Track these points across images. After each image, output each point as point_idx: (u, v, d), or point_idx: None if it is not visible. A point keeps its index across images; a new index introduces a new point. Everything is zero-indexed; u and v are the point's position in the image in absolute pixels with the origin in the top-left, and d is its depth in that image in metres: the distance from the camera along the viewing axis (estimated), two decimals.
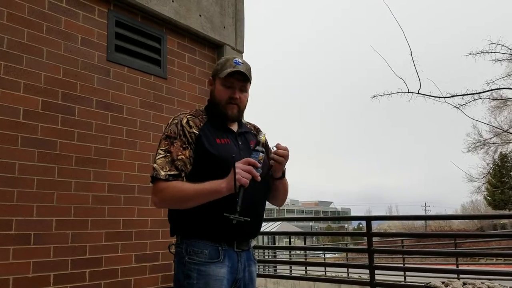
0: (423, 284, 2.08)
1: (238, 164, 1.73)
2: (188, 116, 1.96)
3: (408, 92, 10.94)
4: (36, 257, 2.99)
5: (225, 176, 1.76)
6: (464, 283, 1.97)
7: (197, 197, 1.77)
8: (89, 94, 3.44)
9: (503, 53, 12.43)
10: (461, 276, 6.42)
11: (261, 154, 1.80)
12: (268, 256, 15.99)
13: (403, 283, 8.97)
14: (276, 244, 19.96)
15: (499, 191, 31.80)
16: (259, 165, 1.77)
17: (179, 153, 1.86)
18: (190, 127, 1.92)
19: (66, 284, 3.13)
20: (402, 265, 11.38)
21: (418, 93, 10.84)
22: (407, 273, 10.50)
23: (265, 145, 1.94)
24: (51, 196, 3.12)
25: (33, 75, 3.10)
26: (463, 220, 37.77)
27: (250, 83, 2.03)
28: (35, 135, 3.07)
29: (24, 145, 3.00)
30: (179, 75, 4.21)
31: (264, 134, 1.92)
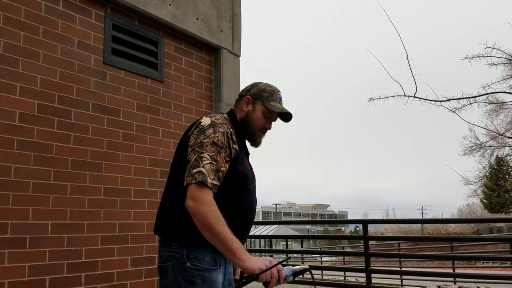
0: None
1: (273, 270, 1.74)
2: (231, 129, 1.94)
3: (404, 95, 10.99)
4: (31, 261, 2.97)
5: (240, 195, 1.88)
6: (460, 287, 1.97)
7: (219, 241, 1.72)
8: (86, 97, 3.43)
9: (498, 57, 12.50)
10: (457, 279, 6.42)
11: (290, 278, 1.80)
12: None
13: (400, 286, 8.98)
14: (273, 248, 19.94)
15: (496, 194, 31.86)
16: (282, 282, 1.79)
17: (223, 164, 1.83)
18: (234, 142, 1.91)
19: (61, 287, 3.12)
20: (398, 269, 11.39)
21: (414, 96, 10.89)
22: (404, 276, 10.51)
23: None
24: (47, 199, 3.11)
25: (29, 78, 3.09)
26: (460, 224, 37.83)
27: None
28: (31, 139, 3.06)
29: (20, 149, 2.99)
30: (176, 79, 4.21)
31: (307, 267, 1.90)
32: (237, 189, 1.90)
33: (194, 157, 1.81)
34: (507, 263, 12.45)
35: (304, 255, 16.82)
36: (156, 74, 4.00)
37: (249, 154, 2.14)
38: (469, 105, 12.36)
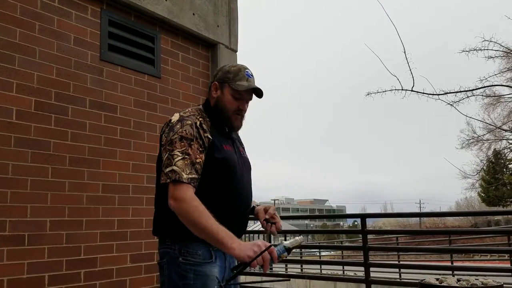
0: (417, 281, 2.09)
1: (264, 253, 1.68)
2: (200, 119, 1.91)
3: (402, 89, 11.00)
4: (30, 258, 2.97)
5: (226, 182, 1.85)
6: (458, 280, 1.98)
7: (206, 233, 1.71)
8: (83, 94, 3.42)
9: (496, 50, 12.51)
10: (455, 272, 6.45)
11: (285, 254, 1.75)
12: None
13: (398, 280, 9.02)
14: (272, 243, 20.00)
15: (493, 187, 31.97)
16: (276, 262, 1.75)
17: (197, 156, 1.81)
18: (204, 131, 1.88)
19: (61, 284, 3.11)
20: (397, 262, 11.43)
21: (412, 90, 10.91)
22: (402, 270, 10.55)
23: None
24: (45, 196, 3.11)
25: (25, 75, 3.08)
26: (458, 217, 37.98)
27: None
28: (28, 136, 3.05)
29: (17, 146, 2.98)
30: (173, 74, 4.20)
31: (300, 238, 1.85)
32: (219, 176, 1.86)
33: (166, 155, 1.81)
34: (504, 255, 12.51)
35: (303, 250, 16.85)
36: (153, 70, 3.99)
37: (235, 139, 2.09)
38: (467, 99, 12.39)
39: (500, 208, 31.07)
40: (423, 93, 11.46)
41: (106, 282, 3.41)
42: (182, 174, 1.74)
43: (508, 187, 31.00)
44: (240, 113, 1.99)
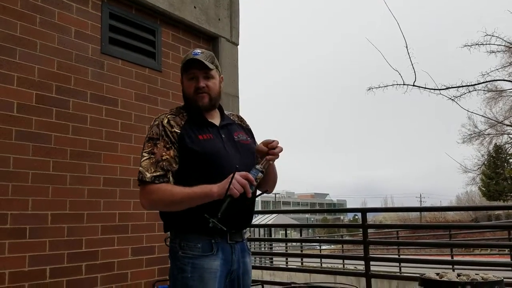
0: (418, 276, 2.10)
1: (237, 176, 1.74)
2: (168, 116, 1.95)
3: (403, 84, 10.97)
4: (32, 251, 2.99)
5: (211, 173, 1.83)
6: (459, 275, 1.99)
7: (187, 201, 1.79)
8: (84, 87, 3.42)
9: (498, 45, 12.46)
10: (455, 267, 6.47)
11: (260, 174, 1.81)
12: (265, 248, 16.05)
13: (398, 274, 9.04)
14: (272, 236, 20.05)
15: (494, 182, 31.97)
16: (255, 183, 1.79)
17: (163, 153, 1.86)
18: (172, 126, 1.91)
19: (62, 277, 3.13)
20: (397, 256, 11.46)
21: (413, 85, 10.88)
22: (402, 264, 10.58)
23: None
24: (46, 190, 3.11)
25: (26, 68, 3.08)
26: (458, 212, 38.00)
27: (217, 69, 2.03)
28: (30, 129, 3.05)
29: (18, 139, 2.99)
30: (174, 68, 4.19)
31: (270, 157, 1.87)
32: (201, 167, 1.87)
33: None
34: (505, 250, 12.53)
35: (303, 244, 16.91)
36: (153, 63, 3.98)
37: (224, 125, 2.05)
38: (468, 93, 12.36)
39: (501, 203, 31.06)
40: (425, 87, 11.44)
41: (107, 275, 3.43)
42: (145, 174, 1.82)
43: (509, 182, 31.01)
44: (200, 91, 1.97)
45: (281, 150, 1.91)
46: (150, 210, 1.84)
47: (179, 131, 1.90)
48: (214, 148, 1.90)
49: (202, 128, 1.96)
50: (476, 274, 1.99)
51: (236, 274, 1.93)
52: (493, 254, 13.95)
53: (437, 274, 2.06)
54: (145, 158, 1.86)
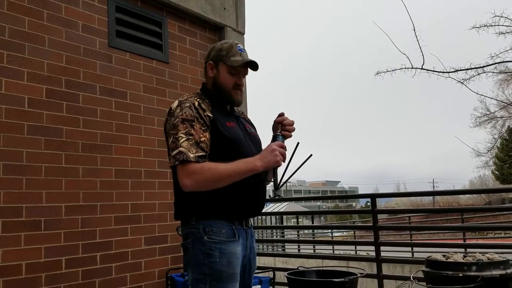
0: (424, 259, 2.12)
1: (274, 146, 1.85)
2: (198, 100, 1.94)
3: (412, 68, 10.85)
4: (47, 243, 3.06)
5: (234, 159, 1.84)
6: (465, 256, 2.01)
7: (234, 177, 1.82)
8: (93, 80, 3.46)
9: (507, 26, 12.24)
10: (468, 250, 6.46)
11: (284, 140, 1.95)
12: (277, 236, 16.14)
13: (410, 258, 9.04)
14: (284, 224, 20.16)
15: (507, 165, 31.62)
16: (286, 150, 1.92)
17: (201, 135, 1.85)
18: (204, 110, 1.91)
19: (77, 268, 3.20)
20: (407, 241, 11.46)
21: (422, 68, 10.75)
22: (416, 249, 10.58)
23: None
24: (60, 182, 3.18)
25: (36, 63, 3.12)
26: (471, 196, 37.71)
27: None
28: (41, 123, 3.11)
29: (30, 133, 3.04)
30: (181, 59, 4.21)
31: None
32: (227, 152, 1.89)
33: (171, 139, 1.87)
34: None
35: (315, 231, 16.98)
36: (161, 55, 4.01)
37: (238, 116, 2.12)
38: (477, 76, 12.17)
39: None
40: (433, 71, 11.27)
41: (121, 264, 3.50)
42: (189, 154, 1.79)
43: None
44: (238, 87, 2.02)
45: (293, 123, 2.02)
46: (193, 190, 1.83)
47: (211, 115, 1.91)
48: (239, 135, 1.96)
49: (226, 115, 2.01)
50: (482, 255, 2.01)
51: (248, 258, 1.99)
52: (508, 237, 13.87)
53: (444, 255, 2.08)
54: (183, 139, 1.82)
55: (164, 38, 4.04)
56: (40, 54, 3.15)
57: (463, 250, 6.30)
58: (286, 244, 15.00)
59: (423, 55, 10.17)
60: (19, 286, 2.88)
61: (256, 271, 4.64)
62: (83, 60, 3.42)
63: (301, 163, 2.02)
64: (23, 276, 2.90)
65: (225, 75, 2.00)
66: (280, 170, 1.96)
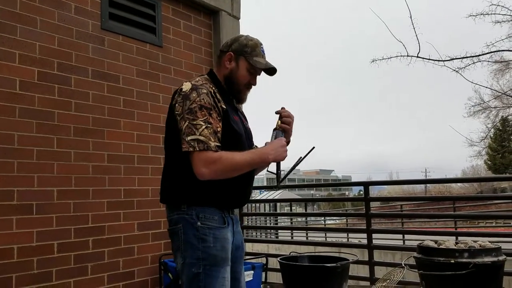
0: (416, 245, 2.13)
1: (284, 142, 1.95)
2: (213, 88, 1.93)
3: (407, 56, 10.85)
4: (39, 227, 3.04)
5: (238, 150, 1.87)
6: (457, 242, 2.01)
7: (247, 167, 1.86)
8: (85, 63, 3.41)
9: (503, 15, 12.23)
10: (459, 238, 6.51)
11: (282, 133, 2.02)
12: (270, 223, 16.21)
13: (401, 245, 9.12)
14: (278, 211, 20.26)
15: (500, 155, 31.83)
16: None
17: (217, 125, 1.85)
18: (219, 100, 1.90)
19: (70, 252, 3.19)
20: (398, 228, 11.57)
21: (417, 56, 10.76)
22: (407, 237, 10.68)
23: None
24: (51, 166, 3.15)
25: (27, 45, 3.07)
26: (463, 185, 38.01)
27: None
28: (33, 106, 3.07)
29: (22, 116, 3.01)
30: (175, 43, 4.16)
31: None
32: (233, 146, 1.89)
33: (186, 124, 1.81)
34: (510, 222, 12.59)
35: (308, 219, 17.06)
36: (154, 38, 3.96)
37: (237, 110, 2.11)
38: (473, 65, 12.18)
39: (507, 175, 30.97)
40: (429, 59, 11.29)
41: (114, 249, 3.49)
42: (210, 143, 1.78)
43: None
44: (249, 87, 2.04)
45: (290, 115, 2.06)
46: (209, 178, 1.82)
47: (225, 107, 1.90)
48: (241, 130, 1.98)
49: (233, 109, 2.01)
50: (474, 241, 2.02)
51: (235, 244, 2.01)
52: (499, 226, 14.02)
53: (435, 242, 2.08)
54: (203, 127, 1.80)
55: (157, 21, 3.98)
56: (32, 36, 3.10)
57: (454, 238, 6.36)
58: (279, 231, 15.08)
59: (419, 42, 10.18)
60: (11, 270, 2.86)
61: (249, 257, 4.67)
62: (76, 43, 3.37)
63: (303, 155, 2.07)
64: (14, 260, 2.89)
65: (244, 72, 1.99)
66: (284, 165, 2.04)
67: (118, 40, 3.68)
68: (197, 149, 1.77)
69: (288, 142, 2.05)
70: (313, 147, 2.05)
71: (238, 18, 4.76)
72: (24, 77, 3.04)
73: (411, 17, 9.82)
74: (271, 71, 2.04)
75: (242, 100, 2.06)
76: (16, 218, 2.93)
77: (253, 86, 2.06)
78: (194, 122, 1.80)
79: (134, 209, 3.69)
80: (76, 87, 3.34)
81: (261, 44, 2.03)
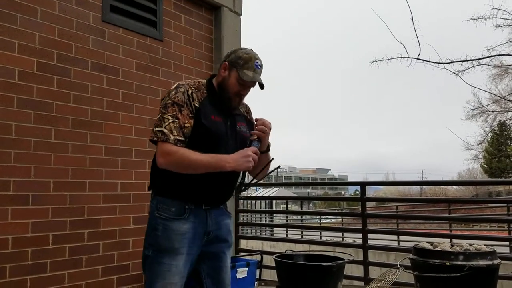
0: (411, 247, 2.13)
1: (250, 152, 1.99)
2: (193, 88, 2.09)
3: (408, 57, 10.85)
4: (34, 218, 3.03)
5: (210, 151, 1.99)
6: (452, 245, 2.02)
7: (202, 168, 1.97)
8: (85, 55, 3.40)
9: (504, 19, 12.25)
10: (454, 240, 6.53)
11: (259, 145, 2.08)
12: (266, 221, 16.22)
13: (396, 246, 9.15)
14: (273, 209, 20.27)
15: (496, 159, 31.91)
16: (258, 155, 2.05)
17: (186, 121, 2.00)
18: (193, 99, 2.06)
19: (65, 244, 3.18)
20: (394, 229, 11.59)
21: (418, 58, 10.77)
22: (402, 238, 10.71)
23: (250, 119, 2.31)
24: (48, 157, 3.14)
25: (27, 35, 3.06)
26: (459, 188, 38.12)
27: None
28: (31, 97, 3.05)
29: (20, 107, 2.99)
30: (176, 38, 4.15)
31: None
32: (203, 143, 2.02)
33: (158, 116, 2.03)
34: (504, 226, 12.63)
35: (303, 217, 17.09)
36: (155, 32, 3.94)
37: (236, 115, 2.22)
38: (473, 68, 12.20)
39: (502, 179, 31.03)
40: (429, 61, 11.31)
41: (109, 242, 3.48)
42: (169, 136, 1.96)
43: (511, 159, 30.96)
44: (240, 96, 2.15)
45: (265, 123, 2.14)
46: (165, 168, 2.00)
47: (198, 106, 2.05)
48: (219, 130, 2.09)
49: (216, 110, 2.12)
50: (469, 244, 2.02)
51: (214, 234, 2.13)
52: (493, 229, 14.08)
53: (431, 244, 2.09)
54: (169, 120, 1.98)
55: (159, 15, 3.97)
56: (32, 26, 3.08)
57: (449, 240, 6.37)
58: (274, 228, 15.10)
59: (419, 44, 10.19)
60: (5, 260, 2.85)
61: (244, 254, 4.68)
62: (76, 34, 3.35)
63: (268, 172, 2.23)
64: (9, 250, 2.88)
65: (233, 82, 2.11)
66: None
67: (118, 32, 3.66)
68: (159, 139, 1.96)
69: (268, 148, 2.20)
70: (279, 166, 2.25)
71: (240, 14, 4.75)
72: (23, 67, 3.02)
73: (412, 18, 9.83)
74: (259, 84, 2.13)
75: (231, 108, 2.16)
76: (12, 209, 2.91)
77: (244, 96, 2.17)
78: (164, 116, 2.00)
79: (130, 203, 3.68)
80: (75, 78, 3.32)
81: (256, 59, 2.13)
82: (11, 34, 2.97)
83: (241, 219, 8.13)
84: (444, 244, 2.02)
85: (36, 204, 3.04)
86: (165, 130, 1.96)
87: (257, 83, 2.12)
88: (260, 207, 16.82)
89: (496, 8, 12.14)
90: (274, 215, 17.19)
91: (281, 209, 20.36)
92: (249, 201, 14.50)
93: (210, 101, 2.11)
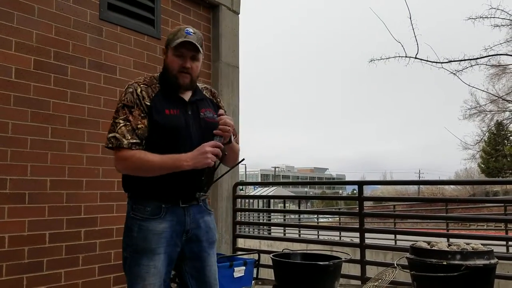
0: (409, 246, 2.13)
1: (207, 148, 1.91)
2: (141, 86, 2.03)
3: (405, 56, 10.86)
4: (31, 216, 3.02)
5: (170, 146, 1.95)
6: (449, 244, 2.02)
7: (158, 170, 1.93)
8: (82, 53, 3.39)
9: (502, 19, 12.28)
10: (451, 240, 6.55)
11: (221, 139, 1.99)
12: (263, 220, 16.22)
13: (393, 245, 9.15)
14: (271, 208, 20.29)
15: (493, 158, 31.99)
16: (223, 147, 1.97)
17: (138, 122, 1.96)
18: (143, 97, 2.00)
19: (61, 242, 3.18)
20: (391, 228, 11.61)
21: (416, 57, 10.78)
22: (398, 237, 10.72)
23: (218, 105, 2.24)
24: (45, 156, 3.13)
25: (24, 33, 3.05)
26: (456, 188, 38.22)
27: (201, 53, 2.09)
28: (28, 95, 3.04)
29: (17, 105, 2.98)
30: None
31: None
32: (163, 141, 1.98)
33: (111, 122, 1.99)
34: (501, 225, 12.66)
35: (301, 217, 17.09)
36: (152, 30, 3.93)
37: (193, 101, 2.11)
38: (470, 67, 12.23)
39: (499, 179, 31.13)
40: (427, 60, 11.32)
41: (106, 241, 3.48)
42: (123, 140, 1.92)
43: (508, 159, 31.04)
44: (184, 70, 2.04)
45: (226, 122, 2.01)
46: (124, 173, 2.02)
47: (149, 103, 1.99)
48: (177, 124, 2.01)
49: (171, 102, 2.05)
50: (466, 244, 2.02)
51: (193, 232, 2.07)
52: (490, 229, 14.11)
53: (428, 243, 2.08)
54: (121, 124, 1.94)
55: (156, 13, 3.96)
56: (29, 23, 3.07)
57: (446, 239, 6.38)
58: (272, 227, 15.10)
59: (417, 44, 10.19)
60: (2, 259, 2.85)
61: (241, 253, 4.67)
62: (73, 32, 3.34)
63: (231, 166, 2.20)
64: (5, 249, 2.87)
65: (171, 58, 2.05)
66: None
67: (116, 31, 3.65)
68: (114, 145, 1.93)
69: (230, 140, 2.06)
70: (243, 159, 2.15)
71: (238, 13, 4.74)
72: (20, 65, 3.01)
73: (410, 17, 9.83)
74: (190, 44, 2.01)
75: (181, 85, 2.06)
76: (8, 207, 2.91)
77: (190, 70, 2.04)
78: (116, 121, 1.96)
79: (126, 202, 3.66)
80: (72, 77, 3.31)
81: (185, 28, 2.06)
82: (8, 32, 2.96)
83: (239, 218, 8.13)
84: (441, 244, 2.02)
85: (32, 202, 3.03)
86: (117, 135, 1.93)
87: (190, 48, 2.01)
88: (258, 206, 16.81)
89: (494, 8, 12.17)
90: (272, 214, 17.19)
91: (279, 208, 20.38)
92: (247, 200, 14.49)
93: (163, 94, 2.05)
